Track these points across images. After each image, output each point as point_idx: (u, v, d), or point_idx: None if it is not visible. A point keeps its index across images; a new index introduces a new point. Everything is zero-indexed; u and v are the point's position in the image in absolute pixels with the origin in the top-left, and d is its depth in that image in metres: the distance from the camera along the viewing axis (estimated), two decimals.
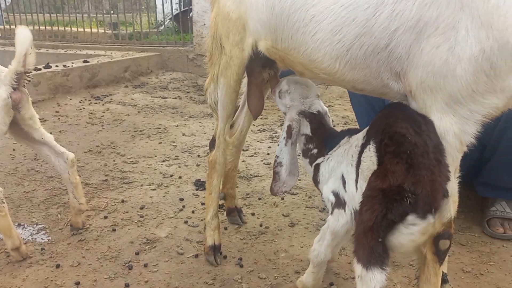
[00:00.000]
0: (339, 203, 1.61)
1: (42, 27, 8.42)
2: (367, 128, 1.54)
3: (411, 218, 1.24)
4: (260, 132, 4.20)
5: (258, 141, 3.94)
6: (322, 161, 1.75)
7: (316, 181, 1.79)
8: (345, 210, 1.59)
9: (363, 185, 1.43)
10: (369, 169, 1.40)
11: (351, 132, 1.71)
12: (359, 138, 1.58)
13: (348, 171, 1.58)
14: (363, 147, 1.48)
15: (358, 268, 1.34)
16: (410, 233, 1.26)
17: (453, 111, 1.30)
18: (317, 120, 1.80)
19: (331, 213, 1.64)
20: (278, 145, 1.80)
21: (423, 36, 1.28)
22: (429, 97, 1.32)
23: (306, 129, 1.80)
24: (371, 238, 1.29)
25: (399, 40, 1.31)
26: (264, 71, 2.00)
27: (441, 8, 1.24)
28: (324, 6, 1.42)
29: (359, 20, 1.35)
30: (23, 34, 2.03)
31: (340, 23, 1.39)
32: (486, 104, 1.27)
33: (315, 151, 1.78)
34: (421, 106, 1.36)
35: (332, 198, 1.64)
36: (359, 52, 1.39)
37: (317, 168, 1.77)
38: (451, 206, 1.42)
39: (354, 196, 1.52)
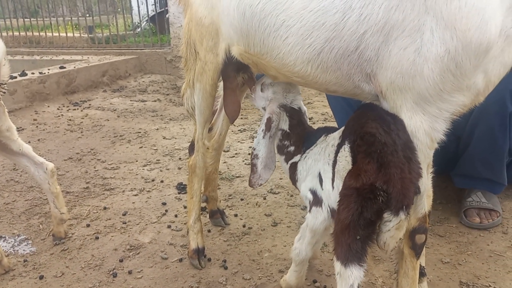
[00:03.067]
0: (317, 201, 1.64)
1: (16, 33, 8.28)
2: (343, 127, 1.57)
3: (386, 215, 1.29)
4: (241, 132, 4.22)
5: (239, 141, 3.95)
6: (299, 160, 1.77)
7: (293, 179, 1.81)
8: (322, 208, 1.62)
9: (339, 184, 1.46)
10: (344, 169, 1.43)
11: (328, 130, 1.73)
12: (335, 137, 1.61)
13: (325, 170, 1.61)
14: (339, 146, 1.51)
15: (337, 266, 1.38)
16: (388, 230, 1.30)
17: (423, 109, 1.34)
18: (296, 117, 1.80)
19: (309, 211, 1.67)
20: (255, 137, 1.78)
21: (390, 38, 1.31)
22: (399, 97, 1.36)
23: (284, 125, 1.79)
24: (349, 236, 1.33)
25: (368, 42, 1.34)
26: (239, 75, 2.01)
27: (406, 11, 1.27)
28: (294, 11, 1.44)
29: (329, 25, 1.38)
30: None
31: (310, 27, 1.41)
32: (453, 102, 1.32)
33: (291, 148, 1.79)
34: (392, 105, 1.40)
35: (310, 196, 1.67)
36: (330, 55, 1.42)
37: (294, 167, 1.79)
38: (425, 201, 1.46)
39: (330, 194, 1.55)
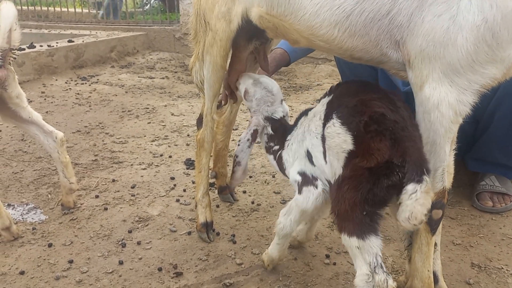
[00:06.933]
0: (307, 181, 1.64)
1: (24, 7, 8.21)
2: (327, 100, 1.57)
3: (410, 187, 1.26)
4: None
5: (247, 120, 3.92)
6: (283, 150, 1.80)
7: (282, 169, 1.83)
8: (315, 186, 1.61)
9: (333, 161, 1.44)
10: (339, 146, 1.40)
11: (305, 112, 1.76)
12: (318, 110, 1.60)
13: (313, 144, 1.60)
14: (325, 120, 1.51)
15: (353, 241, 1.36)
16: (416, 199, 1.26)
17: (450, 80, 1.30)
18: (278, 123, 1.85)
19: (300, 193, 1.66)
20: (238, 145, 1.84)
21: (425, 3, 1.26)
22: (427, 66, 1.32)
23: (269, 130, 1.86)
24: (359, 211, 1.33)
25: (401, 7, 1.30)
26: (251, 43, 1.96)
27: None
28: None
29: None
30: (7, 9, 1.97)
31: None
32: (485, 74, 1.27)
33: (276, 147, 1.84)
34: (417, 75, 1.35)
35: (298, 178, 1.67)
36: (360, 18, 1.37)
37: (280, 158, 1.82)
38: (445, 176, 1.43)
39: (324, 168, 1.54)
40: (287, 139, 1.79)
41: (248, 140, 1.83)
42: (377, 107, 1.35)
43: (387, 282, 1.32)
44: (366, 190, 1.31)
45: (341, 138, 1.40)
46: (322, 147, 1.53)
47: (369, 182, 1.31)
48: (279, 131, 1.84)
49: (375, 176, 1.31)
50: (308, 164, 1.64)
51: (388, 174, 1.29)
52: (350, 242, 1.37)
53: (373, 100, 1.38)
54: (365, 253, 1.35)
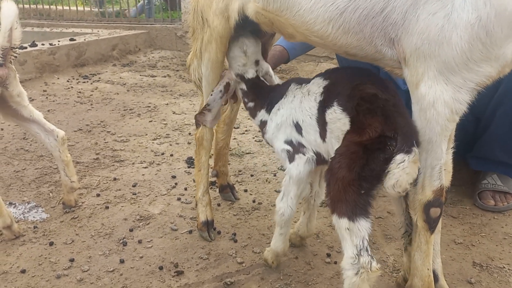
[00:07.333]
0: (296, 149, 1.69)
1: (26, 6, 8.21)
2: (323, 83, 1.61)
3: (399, 157, 1.30)
4: None
5: (249, 119, 3.88)
6: (268, 116, 1.84)
7: (265, 137, 1.87)
8: (303, 153, 1.67)
9: (334, 142, 1.50)
10: (340, 129, 1.47)
11: (296, 81, 1.81)
12: (314, 90, 1.65)
13: (305, 121, 1.65)
14: (324, 105, 1.55)
15: (343, 222, 1.39)
16: (403, 168, 1.30)
17: (446, 79, 1.30)
18: (251, 82, 1.92)
19: (290, 162, 1.69)
20: (211, 95, 1.96)
21: (419, 2, 1.26)
22: (422, 64, 1.32)
23: (243, 86, 1.94)
24: (353, 192, 1.36)
25: (395, 5, 1.30)
26: None
27: None
28: None
29: None
30: (8, 8, 1.97)
31: None
32: (480, 72, 1.27)
33: (251, 104, 1.92)
34: (413, 73, 1.35)
35: (287, 147, 1.71)
36: (353, 15, 1.37)
37: (264, 124, 1.86)
38: (442, 174, 1.42)
39: (318, 143, 1.61)
40: (273, 105, 1.83)
41: (220, 91, 1.95)
42: (369, 89, 1.43)
43: (371, 264, 1.36)
44: (360, 167, 1.35)
45: (341, 122, 1.47)
46: (318, 128, 1.59)
47: (362, 158, 1.35)
48: (253, 89, 1.91)
49: (369, 150, 1.35)
50: (295, 133, 1.69)
51: (382, 148, 1.34)
52: (340, 223, 1.40)
53: (365, 83, 1.46)
54: (353, 235, 1.38)
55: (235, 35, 1.87)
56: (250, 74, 1.91)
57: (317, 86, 1.64)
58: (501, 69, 1.31)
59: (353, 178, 1.36)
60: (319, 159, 1.66)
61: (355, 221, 1.37)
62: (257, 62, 1.93)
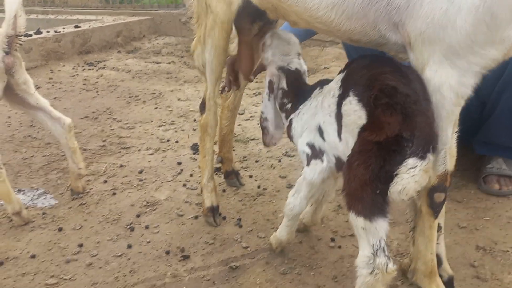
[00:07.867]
0: (315, 154, 1.65)
1: None
2: (341, 77, 1.54)
3: (411, 161, 1.25)
4: (256, 95, 4.18)
5: (253, 105, 3.92)
6: (294, 116, 1.79)
7: (289, 135, 1.83)
8: (321, 160, 1.63)
9: (348, 138, 1.44)
10: (355, 123, 1.39)
11: (322, 83, 1.73)
12: (333, 87, 1.58)
13: (325, 121, 1.59)
14: (341, 98, 1.48)
15: (359, 221, 1.35)
16: (413, 175, 1.26)
17: (451, 63, 1.29)
18: (293, 76, 1.83)
19: (307, 165, 1.67)
20: (262, 101, 1.87)
21: None
22: (427, 48, 1.31)
23: (283, 84, 1.83)
24: (370, 190, 1.31)
25: None
26: (254, 25, 1.95)
27: None
28: None
29: None
30: None
31: None
32: (485, 55, 1.26)
33: (289, 105, 1.82)
34: (418, 57, 1.35)
35: (307, 150, 1.68)
36: (357, 1, 1.36)
37: (290, 123, 1.81)
38: (446, 159, 1.43)
39: (337, 145, 1.54)
40: (299, 107, 1.76)
41: (267, 93, 1.85)
42: (389, 80, 1.33)
43: (387, 265, 1.33)
44: (378, 167, 1.30)
45: (357, 115, 1.38)
46: (336, 125, 1.52)
47: (378, 157, 1.30)
48: (293, 87, 1.81)
49: (385, 150, 1.29)
50: (318, 137, 1.64)
51: (398, 149, 1.28)
52: (357, 222, 1.36)
53: (385, 73, 1.36)
54: (370, 235, 1.34)
55: (273, 32, 1.85)
56: (295, 64, 1.82)
57: (335, 82, 1.58)
58: (507, 52, 1.30)
59: (370, 177, 1.30)
60: (339, 164, 1.59)
61: (373, 221, 1.32)
62: (298, 55, 1.86)
